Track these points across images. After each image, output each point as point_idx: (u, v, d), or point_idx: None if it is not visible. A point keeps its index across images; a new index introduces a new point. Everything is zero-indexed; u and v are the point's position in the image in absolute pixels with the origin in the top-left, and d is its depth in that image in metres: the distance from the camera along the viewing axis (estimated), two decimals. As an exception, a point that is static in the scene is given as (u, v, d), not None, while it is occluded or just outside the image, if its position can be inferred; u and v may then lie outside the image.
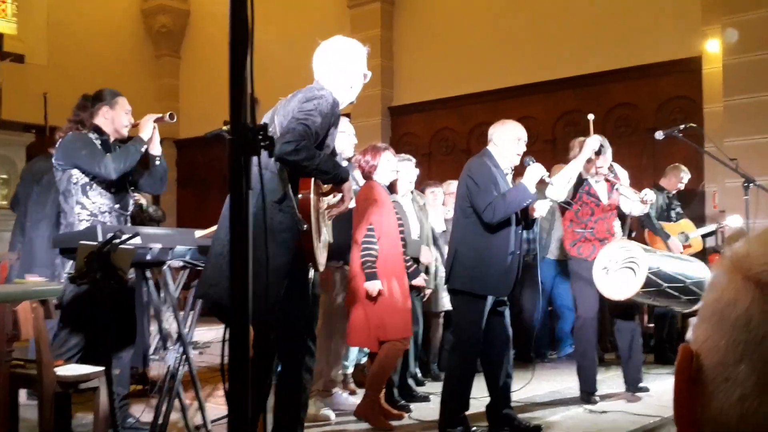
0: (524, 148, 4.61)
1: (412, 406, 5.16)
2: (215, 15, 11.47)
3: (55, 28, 11.27)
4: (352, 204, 4.46)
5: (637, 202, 5.48)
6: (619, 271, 4.95)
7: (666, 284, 4.84)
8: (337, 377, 5.12)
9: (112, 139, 4.51)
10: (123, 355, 4.38)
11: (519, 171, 4.67)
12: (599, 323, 5.79)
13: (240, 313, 1.70)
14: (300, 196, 3.28)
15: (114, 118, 4.49)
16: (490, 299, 4.44)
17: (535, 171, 4.45)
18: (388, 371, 4.73)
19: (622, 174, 5.63)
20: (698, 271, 5.00)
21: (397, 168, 5.12)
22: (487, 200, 4.34)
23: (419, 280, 5.34)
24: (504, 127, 4.60)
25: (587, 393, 5.36)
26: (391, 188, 5.14)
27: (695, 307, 4.86)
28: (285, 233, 3.24)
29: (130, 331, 4.39)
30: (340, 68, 3.51)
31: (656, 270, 4.84)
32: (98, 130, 4.46)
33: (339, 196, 3.53)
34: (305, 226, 3.23)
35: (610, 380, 5.94)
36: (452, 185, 6.49)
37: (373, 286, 4.57)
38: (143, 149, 4.39)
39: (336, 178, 3.39)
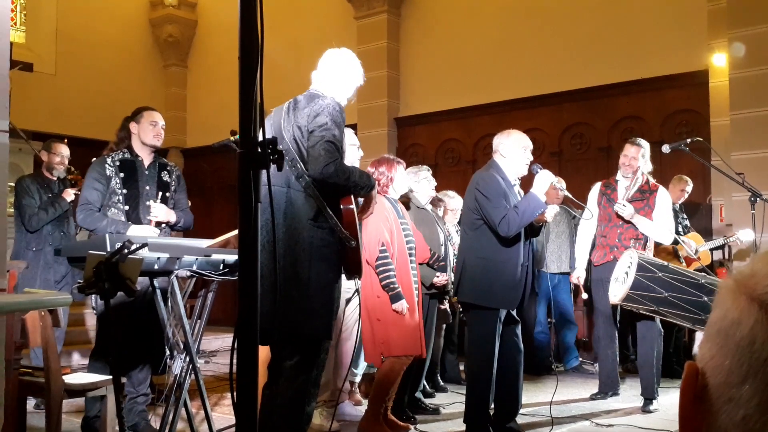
0: (531, 157, 4.60)
1: (419, 417, 5.16)
2: (223, 25, 11.54)
3: (63, 37, 11.31)
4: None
5: (656, 233, 5.56)
6: (623, 278, 5.00)
7: (667, 293, 4.78)
8: (344, 387, 5.12)
9: (144, 158, 4.57)
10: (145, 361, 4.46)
11: (524, 182, 4.68)
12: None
13: (247, 324, 1.71)
14: (345, 209, 3.33)
15: (140, 132, 4.57)
16: (501, 312, 4.44)
17: (544, 178, 4.44)
18: (390, 386, 4.66)
19: (662, 202, 5.62)
20: (702, 289, 4.75)
21: (408, 183, 5.19)
22: (500, 214, 4.32)
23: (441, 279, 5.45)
24: (510, 138, 4.59)
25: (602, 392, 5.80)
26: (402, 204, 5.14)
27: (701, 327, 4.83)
28: (326, 249, 3.28)
29: (148, 338, 4.46)
30: (344, 78, 3.56)
31: (652, 275, 4.82)
32: (130, 150, 4.54)
33: (360, 202, 3.58)
34: (353, 242, 3.28)
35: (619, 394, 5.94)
36: (447, 194, 6.54)
37: (401, 307, 4.53)
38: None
39: (368, 189, 3.45)
